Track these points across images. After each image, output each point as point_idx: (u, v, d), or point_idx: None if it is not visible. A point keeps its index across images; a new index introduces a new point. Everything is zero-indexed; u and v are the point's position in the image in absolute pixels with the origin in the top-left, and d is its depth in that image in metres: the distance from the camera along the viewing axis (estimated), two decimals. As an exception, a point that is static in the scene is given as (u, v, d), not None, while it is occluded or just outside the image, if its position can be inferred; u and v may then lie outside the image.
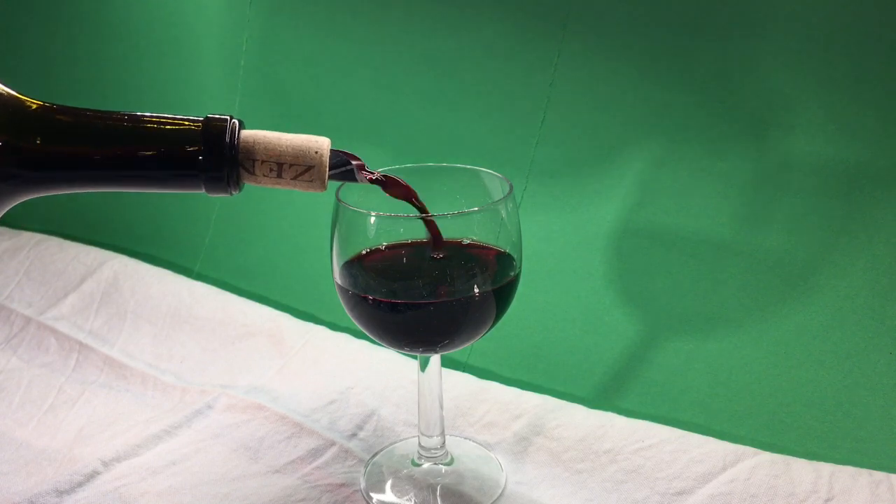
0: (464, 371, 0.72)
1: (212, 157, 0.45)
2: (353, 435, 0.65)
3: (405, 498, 0.59)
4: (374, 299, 0.53)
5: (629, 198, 0.69)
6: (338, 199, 0.53)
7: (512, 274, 0.54)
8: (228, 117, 0.46)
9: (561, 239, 0.71)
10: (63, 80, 0.97)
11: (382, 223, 0.53)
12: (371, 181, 0.50)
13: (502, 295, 0.54)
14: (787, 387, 0.63)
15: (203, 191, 0.47)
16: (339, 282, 0.54)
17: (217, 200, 0.89)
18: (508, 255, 0.54)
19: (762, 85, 0.64)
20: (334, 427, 0.65)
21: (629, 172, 0.69)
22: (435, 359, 0.58)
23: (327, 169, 0.47)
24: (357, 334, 0.76)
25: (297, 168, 0.46)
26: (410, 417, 0.66)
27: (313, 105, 0.83)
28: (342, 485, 0.60)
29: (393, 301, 0.53)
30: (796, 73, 0.62)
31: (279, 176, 0.46)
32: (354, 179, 0.49)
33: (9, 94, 0.47)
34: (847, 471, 0.58)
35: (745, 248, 0.65)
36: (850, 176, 0.61)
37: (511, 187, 0.54)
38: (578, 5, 0.70)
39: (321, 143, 0.46)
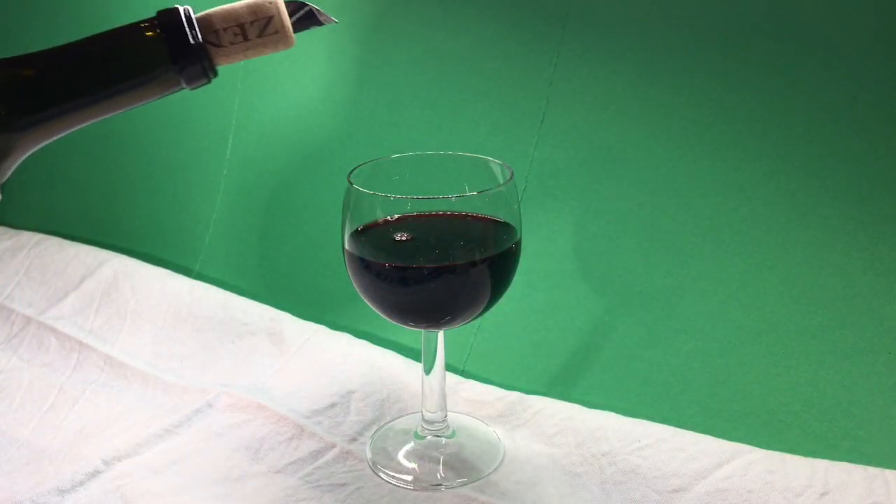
0: (462, 374, 0.73)
1: (178, 45, 0.46)
2: (354, 438, 0.65)
3: (410, 467, 0.61)
4: (385, 265, 0.56)
5: (629, 198, 0.69)
6: (349, 182, 0.56)
7: (512, 242, 0.57)
8: (178, 6, 0.47)
9: (561, 239, 0.71)
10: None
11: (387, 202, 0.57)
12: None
13: (503, 258, 0.57)
14: (787, 386, 0.63)
15: (183, 84, 0.47)
16: (349, 249, 0.57)
17: (217, 200, 0.89)
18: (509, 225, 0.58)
19: (761, 84, 0.64)
20: (335, 428, 0.65)
21: (629, 172, 0.69)
22: (439, 334, 0.60)
23: (287, 14, 0.48)
24: (357, 334, 0.76)
25: (258, 24, 0.47)
26: (412, 413, 0.66)
27: (313, 105, 0.83)
28: (344, 485, 0.60)
29: (399, 266, 0.56)
30: (795, 72, 0.63)
31: (245, 38, 0.47)
32: (319, 22, 0.50)
33: None
34: (842, 466, 0.58)
35: (744, 248, 0.65)
36: (850, 176, 0.62)
37: (512, 173, 0.57)
38: (578, 5, 0.70)
39: None
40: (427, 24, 0.76)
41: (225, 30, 0.47)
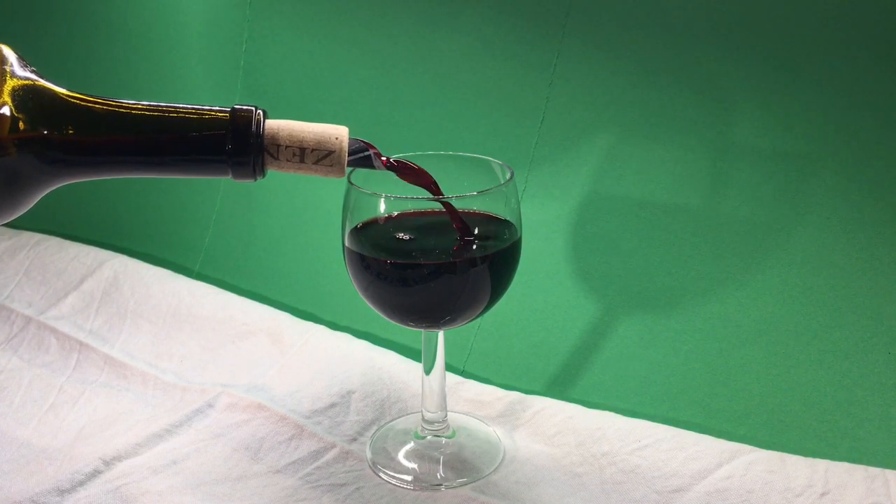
0: (462, 374, 0.73)
1: (239, 144, 0.48)
2: (354, 438, 0.65)
3: (411, 467, 0.61)
4: (385, 265, 0.56)
5: (629, 198, 0.69)
6: (349, 183, 0.56)
7: (512, 242, 0.57)
8: (254, 107, 0.48)
9: (561, 239, 0.71)
10: (62, 82, 0.97)
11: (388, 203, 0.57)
12: (387, 167, 0.53)
13: (503, 258, 0.57)
14: (786, 386, 0.63)
15: (230, 176, 0.49)
16: (349, 246, 0.57)
17: (217, 200, 0.89)
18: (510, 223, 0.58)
19: (761, 86, 0.64)
20: (335, 428, 0.65)
21: (628, 172, 0.69)
22: (439, 334, 0.60)
23: (346, 154, 0.49)
24: (357, 334, 0.76)
25: (318, 153, 0.49)
26: (412, 413, 0.66)
27: (313, 105, 0.83)
28: (343, 485, 0.60)
29: (400, 263, 0.56)
30: (795, 73, 0.63)
31: (302, 161, 0.49)
32: (371, 165, 0.52)
33: (44, 85, 0.48)
34: (842, 466, 0.58)
35: (744, 249, 0.65)
36: (849, 176, 0.62)
37: (512, 173, 0.57)
38: (578, 5, 0.70)
39: (340, 131, 0.49)
40: (427, 24, 0.76)
41: (287, 147, 0.48)
